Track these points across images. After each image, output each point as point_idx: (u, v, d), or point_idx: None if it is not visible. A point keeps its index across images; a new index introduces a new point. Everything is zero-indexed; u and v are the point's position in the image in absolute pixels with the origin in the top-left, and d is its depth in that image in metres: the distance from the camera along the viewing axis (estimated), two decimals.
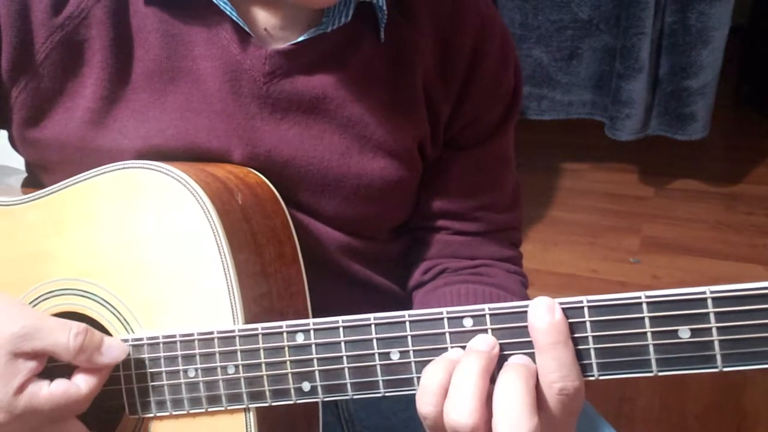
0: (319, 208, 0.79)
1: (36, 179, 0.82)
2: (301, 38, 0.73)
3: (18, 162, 0.87)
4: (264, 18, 0.74)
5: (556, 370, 0.54)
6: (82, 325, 0.63)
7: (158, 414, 0.66)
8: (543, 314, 0.54)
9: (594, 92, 2.52)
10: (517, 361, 0.56)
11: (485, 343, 0.56)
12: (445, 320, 0.57)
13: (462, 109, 0.81)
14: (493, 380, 0.55)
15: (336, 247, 0.81)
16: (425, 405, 0.56)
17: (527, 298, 0.85)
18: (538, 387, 0.55)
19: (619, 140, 2.47)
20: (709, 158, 2.79)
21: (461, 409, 0.54)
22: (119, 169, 0.69)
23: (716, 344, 0.52)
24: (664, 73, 2.38)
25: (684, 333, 0.52)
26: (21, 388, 0.60)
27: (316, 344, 0.61)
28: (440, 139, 0.83)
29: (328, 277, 0.80)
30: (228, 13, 0.71)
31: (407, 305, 0.89)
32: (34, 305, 0.72)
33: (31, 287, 0.72)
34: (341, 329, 0.60)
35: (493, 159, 0.87)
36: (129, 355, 0.66)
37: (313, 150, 0.76)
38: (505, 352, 0.57)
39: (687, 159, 2.75)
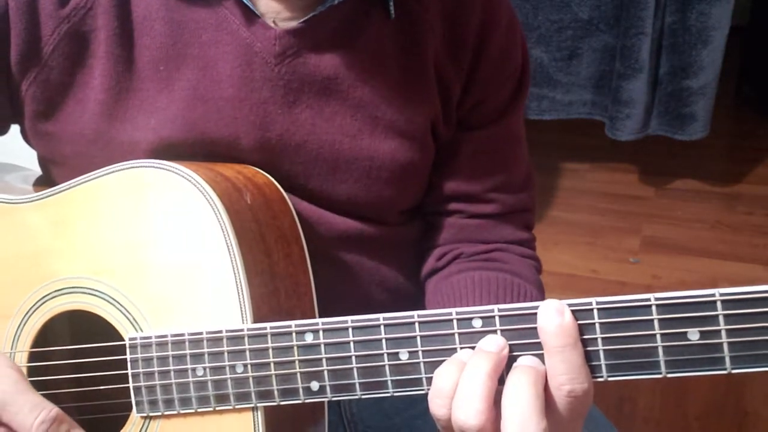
0: (331, 193, 0.78)
1: (48, 175, 0.82)
2: (309, 15, 0.73)
3: (17, 159, 0.87)
4: (269, 6, 0.73)
5: (565, 372, 0.54)
6: (53, 413, 0.63)
7: (166, 412, 0.66)
8: (552, 316, 0.54)
9: (594, 92, 2.52)
10: (525, 362, 0.56)
11: (494, 344, 0.56)
12: (455, 321, 0.58)
13: (472, 88, 0.81)
14: (502, 381, 0.56)
15: (347, 236, 0.80)
16: (439, 407, 0.56)
17: (541, 284, 0.86)
18: (546, 389, 0.55)
19: (619, 140, 2.47)
20: (709, 158, 2.79)
21: (468, 410, 0.54)
22: (128, 168, 0.70)
23: (725, 346, 0.52)
24: (664, 73, 2.38)
25: (693, 335, 0.53)
26: None
27: (325, 344, 0.61)
28: (453, 118, 0.82)
29: (337, 273, 0.81)
30: None
31: (416, 301, 0.90)
32: (42, 303, 0.72)
33: (39, 285, 0.72)
34: (350, 329, 0.60)
35: (505, 138, 0.87)
36: (137, 353, 0.66)
37: (325, 133, 0.76)
38: (514, 353, 0.57)
39: (687, 159, 2.75)
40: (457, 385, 0.55)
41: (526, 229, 0.91)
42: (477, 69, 0.81)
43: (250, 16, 0.72)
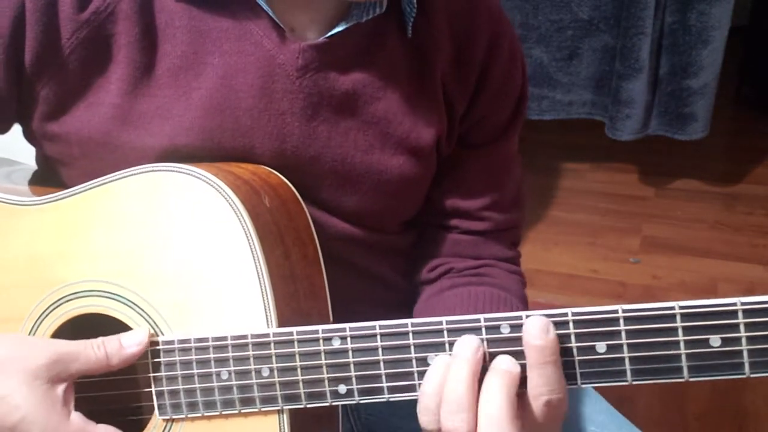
0: (339, 204, 0.80)
1: (52, 174, 0.82)
2: (335, 30, 0.74)
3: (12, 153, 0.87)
4: (293, 20, 0.74)
5: (543, 384, 0.58)
6: (97, 339, 0.66)
7: (189, 415, 0.67)
8: (538, 333, 0.57)
9: (594, 92, 2.53)
10: (501, 366, 0.59)
11: (469, 348, 0.59)
12: (483, 328, 0.59)
13: (476, 106, 0.83)
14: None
15: (351, 242, 0.82)
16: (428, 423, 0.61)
17: (526, 298, 0.89)
18: (525, 396, 0.58)
19: (619, 140, 2.48)
20: (709, 158, 2.80)
21: (456, 416, 0.58)
22: (146, 171, 0.70)
23: (745, 353, 0.54)
24: (664, 73, 2.39)
25: (715, 342, 0.54)
26: (69, 412, 0.63)
27: (353, 349, 0.62)
28: (455, 136, 0.84)
29: (342, 275, 0.81)
30: (264, 7, 0.72)
31: (412, 299, 0.92)
32: (57, 306, 0.72)
33: (53, 288, 0.72)
34: (378, 335, 0.61)
35: (502, 158, 0.89)
36: (160, 357, 0.67)
37: (339, 147, 0.77)
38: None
39: (687, 159, 2.76)
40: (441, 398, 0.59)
41: (513, 246, 0.94)
42: (481, 88, 0.82)
43: (275, 28, 0.73)
